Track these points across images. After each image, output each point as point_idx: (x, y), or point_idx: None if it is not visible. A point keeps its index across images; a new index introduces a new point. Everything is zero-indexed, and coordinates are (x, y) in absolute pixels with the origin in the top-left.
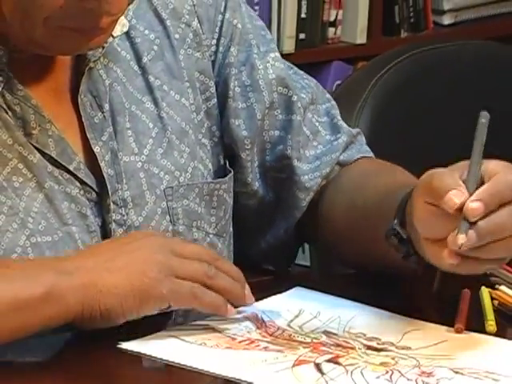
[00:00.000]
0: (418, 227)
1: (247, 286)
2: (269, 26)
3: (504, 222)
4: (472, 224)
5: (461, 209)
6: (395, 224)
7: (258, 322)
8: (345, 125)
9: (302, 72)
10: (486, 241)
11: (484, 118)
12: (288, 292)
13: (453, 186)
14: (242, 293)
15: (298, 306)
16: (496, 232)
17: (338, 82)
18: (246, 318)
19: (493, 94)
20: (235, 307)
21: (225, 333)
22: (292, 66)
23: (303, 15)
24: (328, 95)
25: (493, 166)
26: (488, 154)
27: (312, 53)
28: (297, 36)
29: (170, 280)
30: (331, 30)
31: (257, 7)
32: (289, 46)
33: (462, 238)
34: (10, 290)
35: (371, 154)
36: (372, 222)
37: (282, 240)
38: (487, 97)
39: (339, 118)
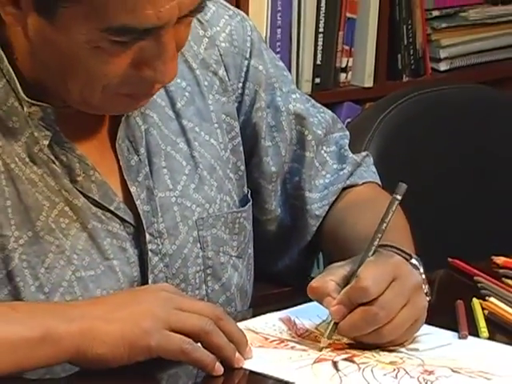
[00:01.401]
0: None
1: (248, 348)
2: (289, 71)
3: (355, 323)
4: (338, 324)
5: None
6: None
7: (290, 323)
8: (350, 154)
9: (319, 105)
10: (352, 336)
11: (400, 193)
12: None
13: (327, 294)
14: (232, 355)
15: (327, 312)
16: (353, 331)
17: (349, 120)
18: (281, 320)
19: (483, 130)
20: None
21: (260, 333)
22: (310, 99)
23: (318, 62)
24: (341, 125)
25: (365, 267)
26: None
27: (326, 95)
28: (313, 80)
29: (160, 333)
30: (343, 75)
31: (278, 55)
32: (306, 88)
33: (323, 342)
34: (8, 331)
35: (372, 178)
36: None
37: (296, 260)
38: (478, 133)
39: (347, 147)
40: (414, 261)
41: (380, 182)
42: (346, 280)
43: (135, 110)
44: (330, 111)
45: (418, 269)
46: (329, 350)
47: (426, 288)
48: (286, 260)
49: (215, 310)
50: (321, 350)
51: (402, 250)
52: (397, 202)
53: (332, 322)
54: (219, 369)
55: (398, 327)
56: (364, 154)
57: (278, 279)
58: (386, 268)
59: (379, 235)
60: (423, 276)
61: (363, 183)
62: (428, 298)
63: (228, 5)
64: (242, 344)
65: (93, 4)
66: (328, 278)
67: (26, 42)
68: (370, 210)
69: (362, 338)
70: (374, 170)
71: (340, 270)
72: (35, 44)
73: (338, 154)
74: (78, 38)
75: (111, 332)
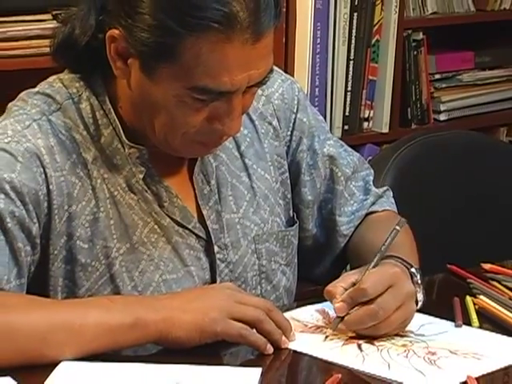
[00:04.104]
0: None
1: (292, 332)
2: (324, 120)
3: (359, 318)
4: (343, 318)
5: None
6: None
7: (325, 314)
8: (373, 188)
9: (350, 149)
10: (355, 328)
11: (400, 225)
12: None
13: (334, 296)
14: (279, 338)
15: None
16: (355, 325)
17: (370, 158)
18: (317, 311)
19: (474, 166)
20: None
21: (301, 321)
22: (343, 144)
23: (347, 113)
24: (367, 165)
25: (367, 275)
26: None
27: (352, 138)
28: (343, 127)
29: (224, 321)
30: (365, 123)
31: (316, 108)
32: (337, 133)
33: (328, 332)
34: (107, 317)
35: (390, 207)
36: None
37: (328, 269)
38: (470, 168)
39: (371, 183)
40: (413, 269)
41: (396, 210)
42: (353, 285)
43: (206, 155)
44: (358, 154)
45: (416, 276)
46: (354, 334)
47: (420, 292)
48: (321, 268)
49: (267, 303)
50: (325, 339)
51: (404, 260)
52: (394, 231)
53: (336, 317)
54: (270, 349)
55: (391, 324)
56: (385, 188)
57: (316, 283)
58: (384, 276)
59: (380, 253)
60: (419, 282)
61: (383, 210)
62: (420, 303)
63: (281, 71)
64: (287, 330)
65: (184, 68)
66: (338, 284)
67: (129, 92)
68: (383, 230)
69: (363, 330)
70: (393, 201)
71: (349, 277)
72: (134, 94)
73: (364, 188)
74: (168, 92)
75: (187, 320)
